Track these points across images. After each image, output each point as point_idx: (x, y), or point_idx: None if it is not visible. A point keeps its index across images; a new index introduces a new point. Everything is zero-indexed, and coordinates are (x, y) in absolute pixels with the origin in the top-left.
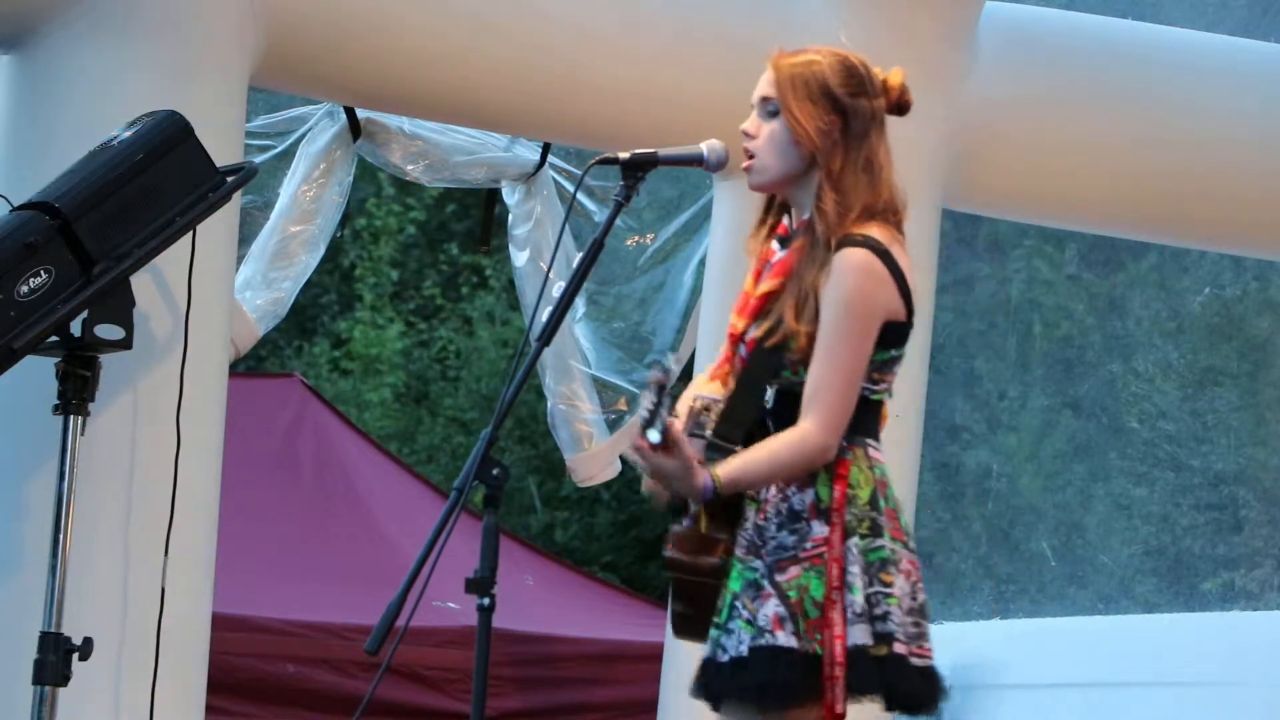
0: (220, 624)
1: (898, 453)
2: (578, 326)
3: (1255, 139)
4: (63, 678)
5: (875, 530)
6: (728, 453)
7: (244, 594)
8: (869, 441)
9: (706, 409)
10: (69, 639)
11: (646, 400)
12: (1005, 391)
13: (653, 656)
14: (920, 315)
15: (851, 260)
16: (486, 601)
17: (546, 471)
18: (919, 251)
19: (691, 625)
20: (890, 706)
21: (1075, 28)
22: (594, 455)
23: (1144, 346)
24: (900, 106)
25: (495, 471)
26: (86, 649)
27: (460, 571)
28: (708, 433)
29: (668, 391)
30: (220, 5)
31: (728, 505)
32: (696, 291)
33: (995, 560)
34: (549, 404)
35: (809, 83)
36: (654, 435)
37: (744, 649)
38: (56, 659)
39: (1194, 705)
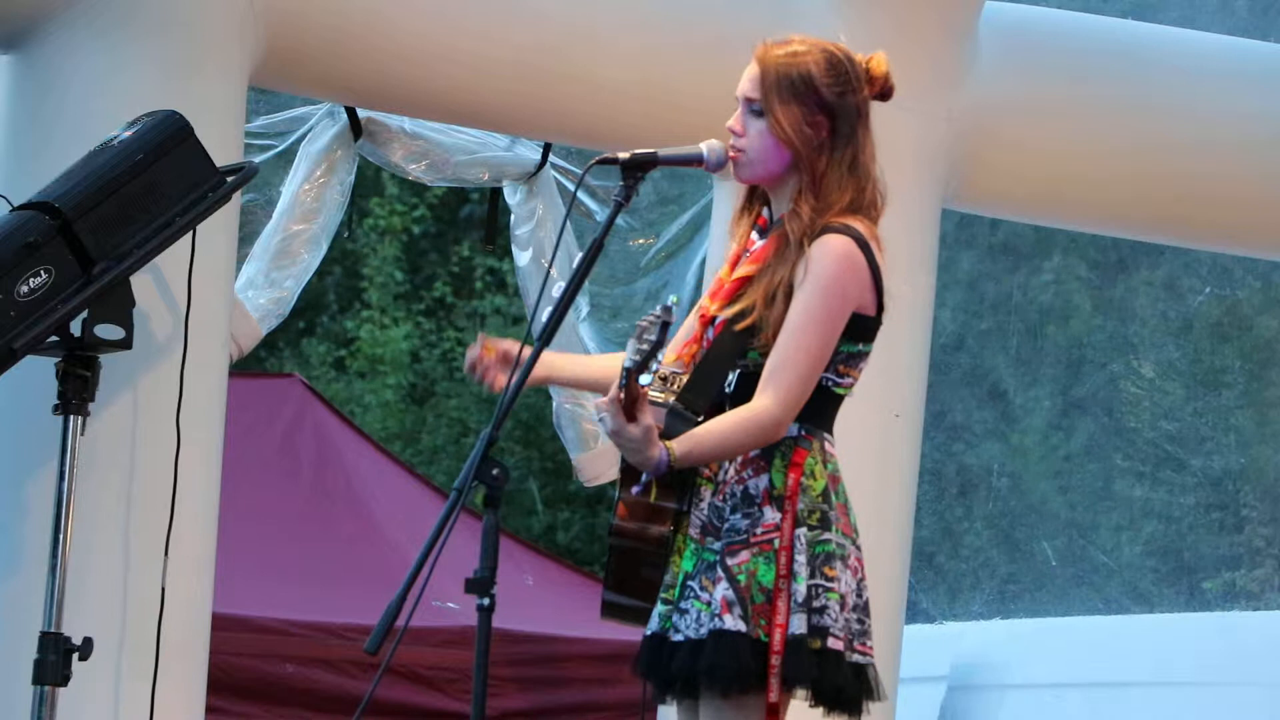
0: (220, 624)
1: (898, 453)
2: (582, 326)
3: (1256, 139)
4: (63, 678)
5: (824, 523)
6: (688, 420)
7: (244, 594)
8: (826, 435)
9: (665, 379)
10: (69, 639)
11: (644, 339)
12: (1008, 391)
13: None
14: (920, 314)
15: (831, 245)
16: (486, 601)
17: (550, 473)
18: (919, 251)
19: (627, 596)
20: (817, 700)
21: (1075, 27)
22: (600, 454)
23: (1147, 346)
24: (884, 94)
25: (495, 472)
26: (86, 649)
27: (460, 571)
28: (670, 400)
29: (668, 332)
30: (220, 5)
31: (677, 477)
32: (699, 291)
33: (997, 560)
34: (555, 403)
35: (794, 83)
36: (646, 378)
37: (704, 631)
38: (56, 659)
39: (1195, 705)
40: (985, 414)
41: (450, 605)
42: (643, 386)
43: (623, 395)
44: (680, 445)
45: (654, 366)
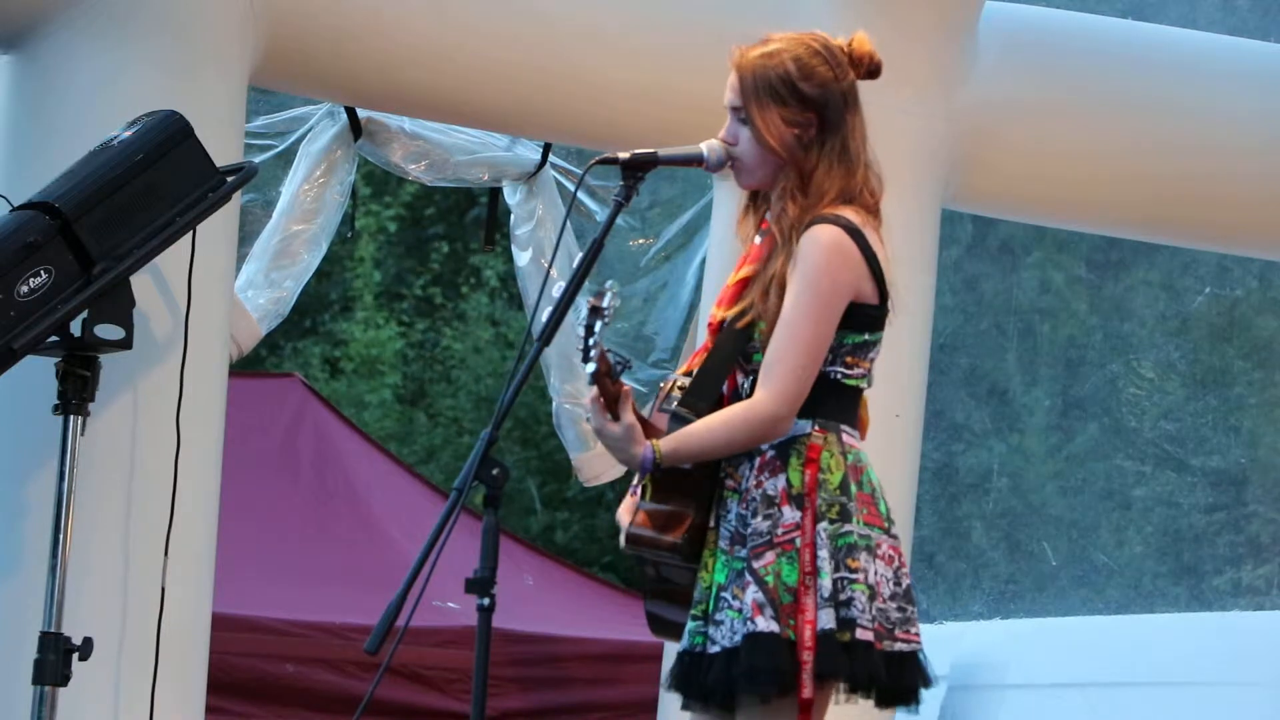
0: (220, 624)
1: (898, 452)
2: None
3: (1256, 139)
4: (63, 678)
5: (844, 515)
6: (688, 423)
7: (244, 594)
8: (843, 428)
9: (681, 388)
10: (69, 639)
11: (581, 328)
12: (1007, 391)
13: (653, 657)
14: (920, 314)
15: (819, 236)
16: (486, 601)
17: (548, 473)
18: (919, 251)
19: (664, 607)
20: (854, 692)
21: (1075, 27)
22: (600, 454)
23: (1147, 346)
24: (871, 72)
25: (495, 471)
26: (86, 649)
27: (460, 571)
28: (673, 405)
29: (604, 317)
30: (220, 5)
31: (692, 483)
32: (699, 292)
33: (997, 560)
34: (554, 403)
35: (773, 85)
36: (590, 368)
37: (738, 638)
38: (56, 659)
39: (1197, 705)
40: (985, 414)
41: (450, 605)
42: (625, 384)
43: (600, 393)
44: (667, 443)
45: (594, 352)
